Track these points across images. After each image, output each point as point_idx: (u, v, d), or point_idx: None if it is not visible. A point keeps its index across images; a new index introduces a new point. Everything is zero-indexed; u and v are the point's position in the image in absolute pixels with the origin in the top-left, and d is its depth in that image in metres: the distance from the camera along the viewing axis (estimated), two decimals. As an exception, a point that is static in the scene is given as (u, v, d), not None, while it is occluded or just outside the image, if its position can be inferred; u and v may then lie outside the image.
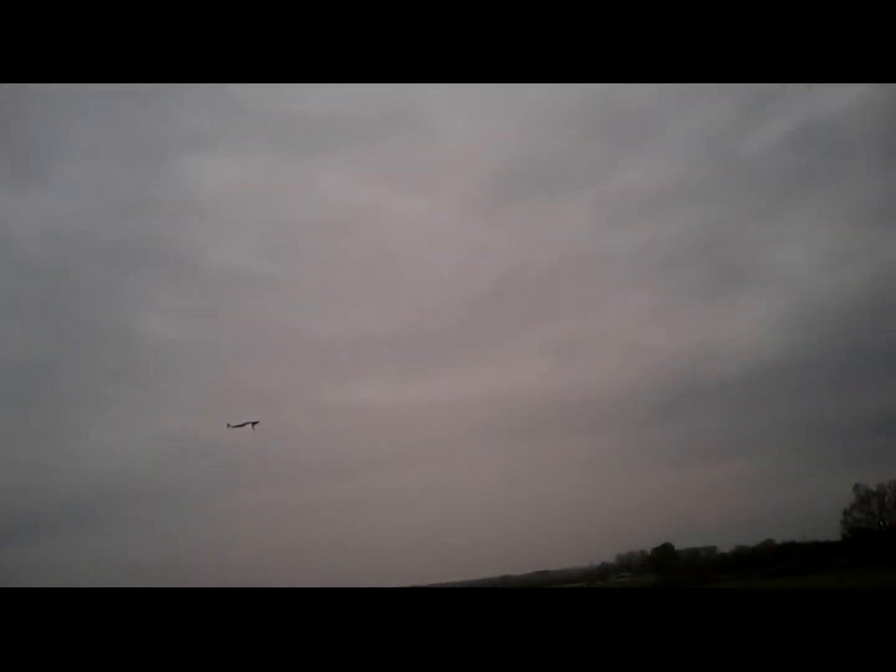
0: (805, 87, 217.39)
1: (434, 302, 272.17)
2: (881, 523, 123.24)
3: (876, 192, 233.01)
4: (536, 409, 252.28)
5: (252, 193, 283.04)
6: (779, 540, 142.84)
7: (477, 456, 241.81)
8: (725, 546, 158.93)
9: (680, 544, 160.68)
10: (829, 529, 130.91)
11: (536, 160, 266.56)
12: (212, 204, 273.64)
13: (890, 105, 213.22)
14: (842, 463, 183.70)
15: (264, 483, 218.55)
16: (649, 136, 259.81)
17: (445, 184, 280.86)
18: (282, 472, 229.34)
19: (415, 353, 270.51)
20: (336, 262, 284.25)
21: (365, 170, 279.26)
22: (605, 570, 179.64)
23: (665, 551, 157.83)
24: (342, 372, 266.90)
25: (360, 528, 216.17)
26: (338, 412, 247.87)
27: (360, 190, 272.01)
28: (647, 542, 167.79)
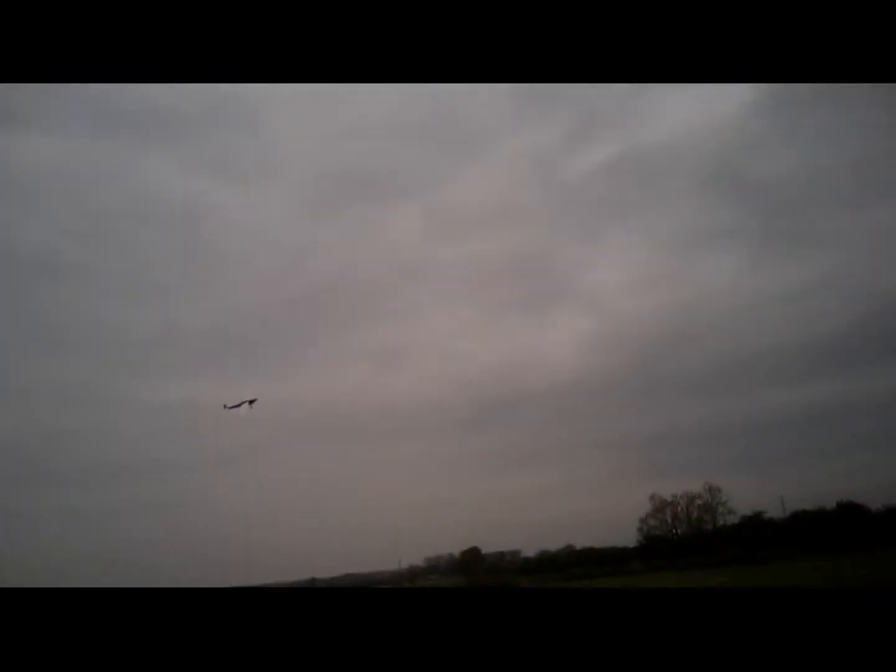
0: (626, 118, 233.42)
1: (255, 302, 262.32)
2: (674, 531, 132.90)
3: (685, 222, 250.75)
4: (353, 413, 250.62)
5: (67, 178, 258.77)
6: (579, 545, 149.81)
7: (290, 459, 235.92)
8: (529, 550, 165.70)
9: (487, 548, 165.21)
10: (626, 536, 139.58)
11: (368, 166, 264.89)
12: (21, 185, 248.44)
13: (703, 141, 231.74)
14: (640, 474, 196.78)
15: (58, 483, 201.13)
16: (480, 152, 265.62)
17: (272, 183, 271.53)
18: (78, 473, 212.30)
19: (232, 352, 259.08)
20: (153, 254, 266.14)
21: (189, 163, 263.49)
22: (413, 573, 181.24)
23: (472, 554, 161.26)
24: (153, 369, 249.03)
25: (165, 530, 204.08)
26: (146, 410, 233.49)
27: (182, 183, 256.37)
28: (455, 546, 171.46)
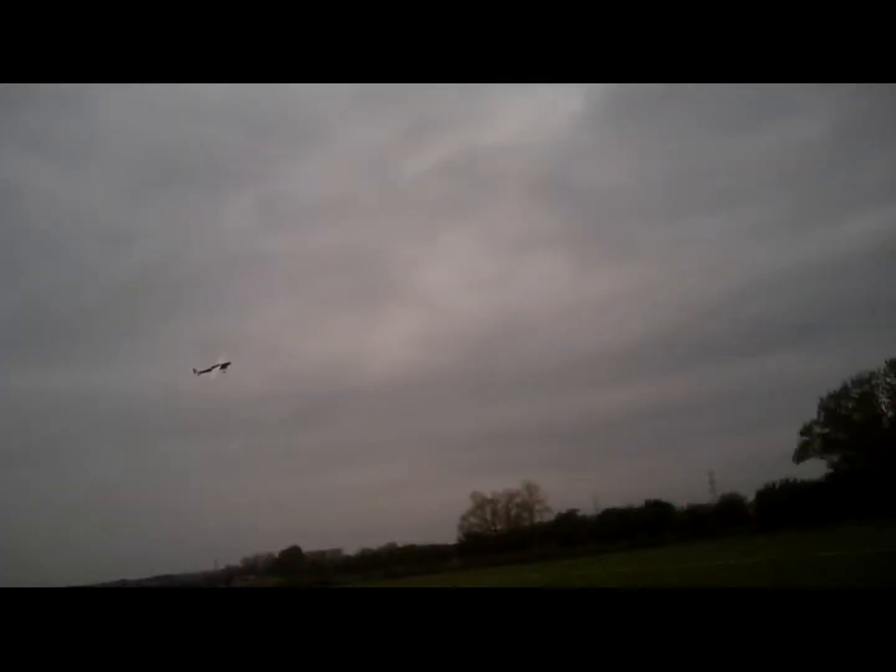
0: (463, 120, 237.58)
1: (69, 287, 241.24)
2: (493, 528, 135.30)
3: (515, 225, 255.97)
4: (169, 407, 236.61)
5: None
6: (401, 543, 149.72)
7: (99, 454, 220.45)
8: (351, 549, 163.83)
9: (308, 547, 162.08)
10: (449, 534, 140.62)
11: (199, 153, 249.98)
12: None
13: (537, 146, 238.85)
14: (463, 473, 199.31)
15: None
16: (315, 144, 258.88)
17: (93, 165, 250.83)
18: None
19: (41, 339, 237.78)
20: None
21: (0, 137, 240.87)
22: (229, 573, 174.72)
23: (292, 554, 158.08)
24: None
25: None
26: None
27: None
28: (274, 546, 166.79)
